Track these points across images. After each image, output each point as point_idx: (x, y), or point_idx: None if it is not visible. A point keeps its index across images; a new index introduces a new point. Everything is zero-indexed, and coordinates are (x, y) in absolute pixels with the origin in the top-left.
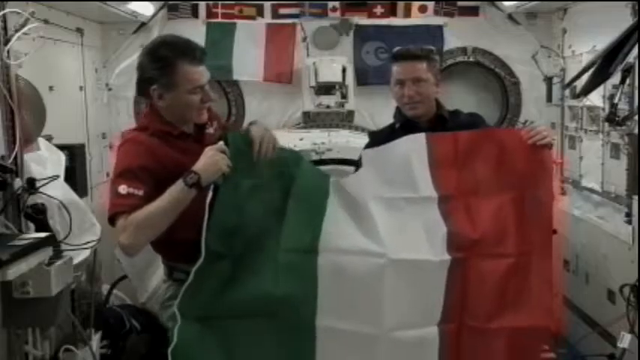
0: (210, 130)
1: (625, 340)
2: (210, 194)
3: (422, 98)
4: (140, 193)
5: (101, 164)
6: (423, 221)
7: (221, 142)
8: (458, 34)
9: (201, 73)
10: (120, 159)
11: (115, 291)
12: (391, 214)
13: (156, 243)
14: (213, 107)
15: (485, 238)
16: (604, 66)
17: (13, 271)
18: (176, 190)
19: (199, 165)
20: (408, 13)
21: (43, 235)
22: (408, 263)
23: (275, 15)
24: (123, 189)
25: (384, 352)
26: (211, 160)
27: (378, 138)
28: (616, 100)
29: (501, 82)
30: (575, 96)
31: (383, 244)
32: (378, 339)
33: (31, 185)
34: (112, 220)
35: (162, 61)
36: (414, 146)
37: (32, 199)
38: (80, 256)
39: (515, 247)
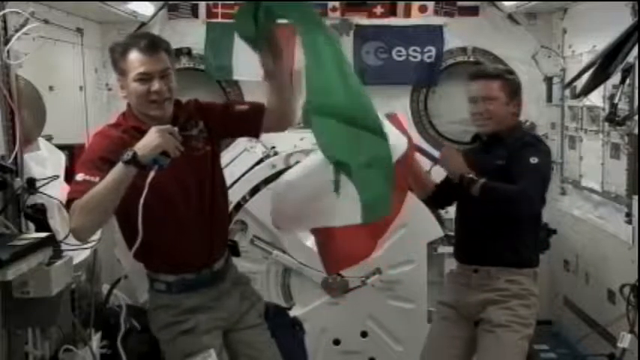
0: (194, 132)
1: (625, 340)
2: (152, 174)
3: (491, 115)
4: (95, 179)
5: None
6: None
7: (169, 126)
8: (458, 34)
9: (149, 62)
10: (86, 151)
11: (115, 291)
12: None
13: (135, 252)
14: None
15: None
16: (604, 66)
17: (13, 271)
18: (115, 170)
19: (139, 143)
20: (408, 13)
21: (43, 235)
22: None
23: None
24: (80, 177)
25: None
26: (151, 137)
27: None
28: (616, 100)
29: None
30: (576, 96)
31: None
32: None
33: (31, 185)
34: (68, 207)
35: (119, 49)
36: None
37: (32, 199)
38: (80, 256)
39: None
